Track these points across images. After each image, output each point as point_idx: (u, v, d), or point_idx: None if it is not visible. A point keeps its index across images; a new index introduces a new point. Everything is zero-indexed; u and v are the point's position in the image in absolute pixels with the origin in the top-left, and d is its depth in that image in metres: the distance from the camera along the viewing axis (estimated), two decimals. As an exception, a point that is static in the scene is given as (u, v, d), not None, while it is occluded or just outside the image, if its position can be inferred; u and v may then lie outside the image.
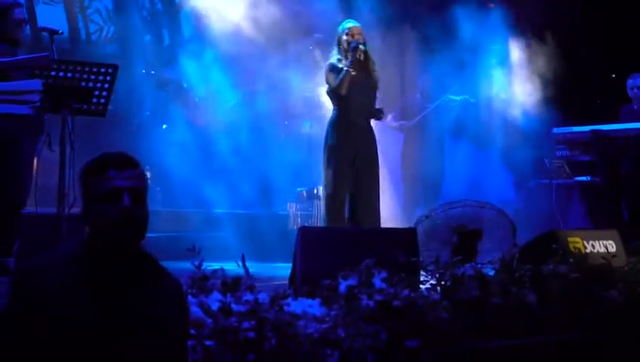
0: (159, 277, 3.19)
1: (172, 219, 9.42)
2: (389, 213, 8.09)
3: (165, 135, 9.95)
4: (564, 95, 10.92)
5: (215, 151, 9.92)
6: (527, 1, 11.96)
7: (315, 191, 9.58)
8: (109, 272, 3.06)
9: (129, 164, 3.10)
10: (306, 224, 9.45)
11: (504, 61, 10.82)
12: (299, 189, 9.93)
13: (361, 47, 7.49)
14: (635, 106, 9.40)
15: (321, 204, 7.77)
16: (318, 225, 9.20)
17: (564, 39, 11.97)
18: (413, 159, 9.92)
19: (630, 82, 9.42)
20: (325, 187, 7.60)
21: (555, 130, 9.71)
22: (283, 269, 6.58)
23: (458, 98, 10.65)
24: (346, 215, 7.46)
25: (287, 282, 5.76)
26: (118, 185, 3.04)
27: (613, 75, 13.25)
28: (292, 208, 9.69)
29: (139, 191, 3.09)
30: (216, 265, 4.84)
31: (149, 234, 9.20)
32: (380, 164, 7.77)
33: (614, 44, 12.10)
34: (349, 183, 7.54)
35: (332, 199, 7.49)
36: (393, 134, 9.77)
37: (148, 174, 9.89)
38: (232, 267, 4.97)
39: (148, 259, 3.19)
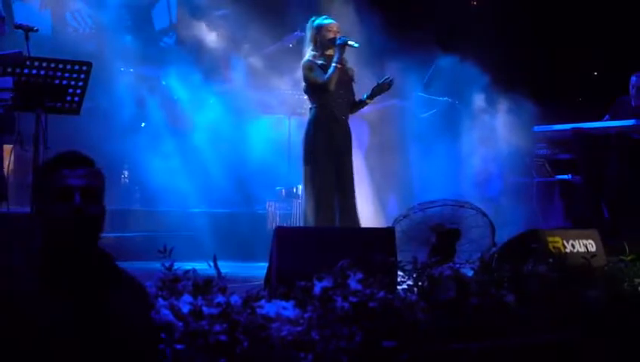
0: (117, 277, 3.17)
1: (150, 219, 9.34)
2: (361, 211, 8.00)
3: (143, 133, 9.84)
4: (546, 93, 10.89)
5: (194, 150, 9.83)
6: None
7: (294, 190, 9.50)
8: (67, 272, 3.04)
9: (82, 162, 3.10)
10: (285, 223, 9.36)
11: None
12: (278, 188, 9.85)
13: (351, 42, 7.45)
14: (632, 102, 9.39)
15: (305, 203, 7.65)
16: (299, 224, 9.13)
17: (545, 37, 11.96)
18: (379, 154, 9.80)
19: (633, 80, 9.39)
20: (309, 185, 7.51)
21: (536, 128, 9.68)
22: (262, 269, 6.49)
23: (441, 99, 10.59)
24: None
25: (263, 283, 5.69)
26: (69, 184, 3.05)
27: (595, 73, 13.26)
28: (271, 207, 9.61)
29: (92, 190, 3.09)
30: (194, 266, 4.77)
31: (127, 234, 9.10)
32: None
33: (596, 41, 12.09)
34: (329, 181, 7.49)
35: (319, 197, 7.41)
36: (358, 125, 9.56)
37: (126, 173, 9.82)
38: (208, 267, 4.88)
39: (106, 260, 3.15)
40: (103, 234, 8.99)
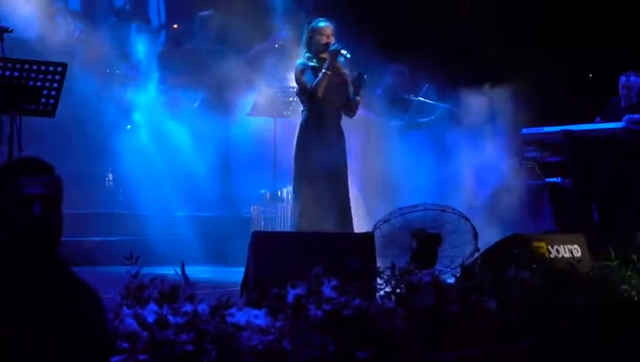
0: (73, 286, 3.06)
1: (134, 222, 9.21)
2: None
3: (127, 136, 9.72)
4: (538, 94, 10.79)
5: (178, 153, 9.72)
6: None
7: (279, 194, 9.39)
8: (23, 280, 2.94)
9: (43, 169, 3.01)
10: (270, 227, 9.25)
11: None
12: (262, 191, 9.73)
13: (343, 52, 7.38)
14: (622, 103, 9.31)
15: (293, 207, 7.61)
16: (283, 228, 9.03)
17: (539, 37, 11.87)
18: (373, 157, 9.73)
19: (623, 80, 9.33)
20: (297, 189, 7.49)
21: (525, 130, 9.58)
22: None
23: (443, 105, 10.52)
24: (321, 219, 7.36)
25: (240, 289, 5.59)
26: (29, 193, 2.95)
27: (590, 75, 13.16)
28: (256, 211, 9.48)
29: (51, 199, 2.99)
30: (177, 270, 4.67)
31: (110, 238, 8.90)
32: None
33: (592, 42, 11.99)
34: (321, 186, 7.44)
35: (306, 202, 7.36)
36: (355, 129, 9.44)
37: (110, 176, 9.68)
38: (191, 272, 4.78)
39: (62, 268, 3.05)
40: (87, 238, 8.81)
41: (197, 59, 9.99)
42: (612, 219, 8.93)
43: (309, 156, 7.43)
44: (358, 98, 7.66)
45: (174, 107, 9.92)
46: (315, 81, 7.38)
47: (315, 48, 7.54)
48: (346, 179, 7.61)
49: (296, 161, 7.53)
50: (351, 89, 7.67)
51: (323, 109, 7.49)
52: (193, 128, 9.82)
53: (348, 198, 7.57)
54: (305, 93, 7.50)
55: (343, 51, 7.39)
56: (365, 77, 7.63)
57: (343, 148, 7.61)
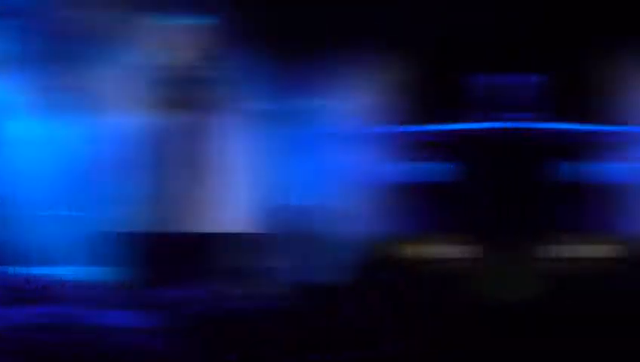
0: None
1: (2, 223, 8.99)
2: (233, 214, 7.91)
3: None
4: (420, 93, 10.90)
5: (49, 152, 9.51)
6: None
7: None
8: None
9: None
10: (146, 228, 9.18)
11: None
12: (135, 191, 9.63)
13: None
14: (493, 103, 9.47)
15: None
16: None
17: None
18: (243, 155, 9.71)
19: (483, 80, 9.47)
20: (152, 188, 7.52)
21: (406, 128, 9.63)
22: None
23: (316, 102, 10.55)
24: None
25: (113, 288, 5.55)
26: None
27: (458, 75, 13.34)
28: (128, 211, 9.36)
29: None
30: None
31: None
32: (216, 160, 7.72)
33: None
34: (173, 185, 7.46)
35: (156, 200, 7.39)
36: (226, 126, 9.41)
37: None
38: (63, 272, 4.73)
39: None
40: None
41: (71, 59, 9.82)
42: (500, 219, 9.01)
43: (155, 153, 7.47)
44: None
45: (44, 107, 9.73)
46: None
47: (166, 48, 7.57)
48: (200, 177, 7.60)
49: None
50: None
51: (173, 108, 7.53)
52: (50, 129, 9.64)
53: (202, 199, 7.55)
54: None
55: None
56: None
57: (197, 145, 7.63)
